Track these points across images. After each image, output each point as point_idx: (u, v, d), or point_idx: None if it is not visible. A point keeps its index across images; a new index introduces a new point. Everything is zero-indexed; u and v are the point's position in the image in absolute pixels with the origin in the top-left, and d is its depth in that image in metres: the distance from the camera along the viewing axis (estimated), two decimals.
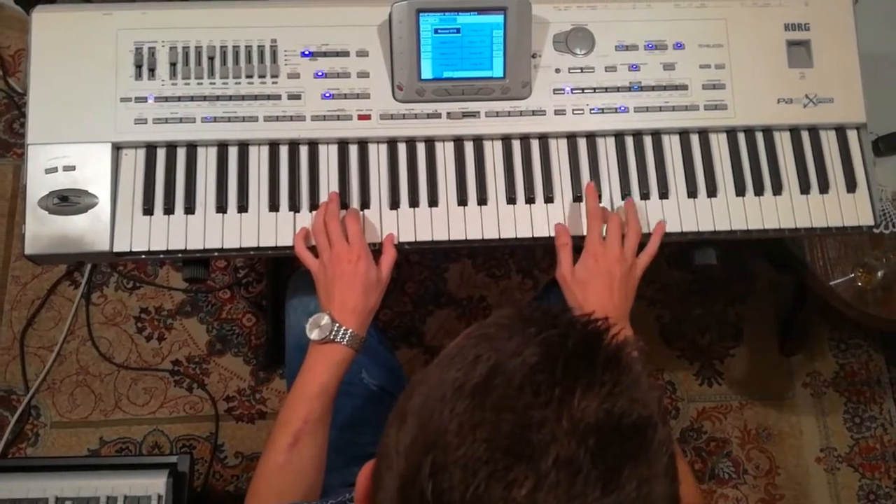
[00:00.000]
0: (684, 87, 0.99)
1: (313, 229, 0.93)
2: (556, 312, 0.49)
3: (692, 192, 0.99)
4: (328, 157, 0.97)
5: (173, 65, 0.95)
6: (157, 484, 1.10)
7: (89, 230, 0.91)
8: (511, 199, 0.97)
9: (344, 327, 0.85)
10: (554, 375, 0.44)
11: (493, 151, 0.98)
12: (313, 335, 0.85)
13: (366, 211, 0.96)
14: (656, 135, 1.00)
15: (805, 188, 1.00)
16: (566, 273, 0.92)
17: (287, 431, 0.83)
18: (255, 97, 0.95)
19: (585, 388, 0.43)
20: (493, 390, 0.44)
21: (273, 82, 0.96)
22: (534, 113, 0.98)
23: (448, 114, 0.97)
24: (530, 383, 0.43)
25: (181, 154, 0.96)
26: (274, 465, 0.83)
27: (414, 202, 0.96)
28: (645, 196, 0.98)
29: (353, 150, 0.97)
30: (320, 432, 0.85)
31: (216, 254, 0.94)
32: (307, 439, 0.83)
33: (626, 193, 0.98)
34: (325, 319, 0.85)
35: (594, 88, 0.98)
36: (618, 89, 0.99)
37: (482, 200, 0.97)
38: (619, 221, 0.93)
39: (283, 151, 0.97)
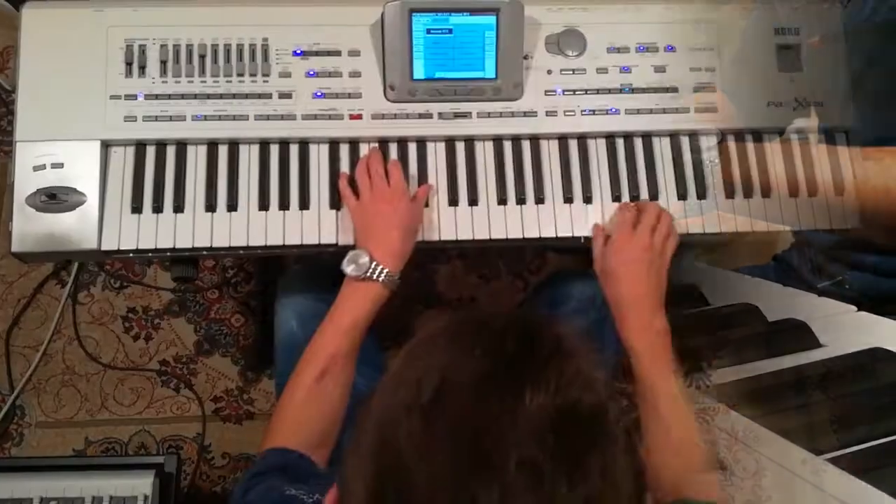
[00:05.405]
0: (675, 90, 0.99)
1: (357, 171, 0.94)
2: (487, 317, 0.49)
3: (682, 195, 0.99)
4: (319, 157, 0.97)
5: (164, 62, 0.94)
6: (143, 484, 1.08)
7: (77, 228, 0.90)
8: (502, 200, 0.97)
9: (381, 266, 0.86)
10: (499, 382, 0.44)
11: (485, 152, 0.98)
12: (349, 270, 0.86)
13: None
14: (647, 137, 1.00)
15: (794, 191, 1.00)
16: (595, 262, 0.94)
17: (315, 365, 0.83)
18: (246, 95, 0.95)
19: (533, 387, 0.43)
20: (444, 409, 0.43)
21: (264, 81, 0.95)
22: (525, 114, 0.98)
23: (439, 114, 0.97)
24: (478, 397, 0.43)
25: (171, 152, 0.95)
26: (297, 398, 0.82)
27: None
28: (635, 198, 0.98)
29: (345, 150, 0.97)
30: (348, 370, 0.85)
31: (205, 253, 0.94)
32: (333, 375, 0.83)
33: (616, 195, 0.98)
34: (364, 258, 0.86)
35: (585, 90, 0.99)
36: (609, 91, 0.99)
37: (473, 201, 0.97)
38: (656, 212, 0.93)
39: (274, 151, 0.96)
